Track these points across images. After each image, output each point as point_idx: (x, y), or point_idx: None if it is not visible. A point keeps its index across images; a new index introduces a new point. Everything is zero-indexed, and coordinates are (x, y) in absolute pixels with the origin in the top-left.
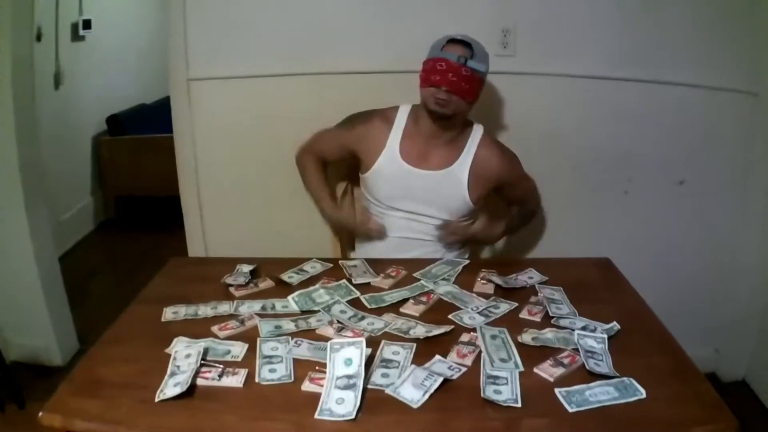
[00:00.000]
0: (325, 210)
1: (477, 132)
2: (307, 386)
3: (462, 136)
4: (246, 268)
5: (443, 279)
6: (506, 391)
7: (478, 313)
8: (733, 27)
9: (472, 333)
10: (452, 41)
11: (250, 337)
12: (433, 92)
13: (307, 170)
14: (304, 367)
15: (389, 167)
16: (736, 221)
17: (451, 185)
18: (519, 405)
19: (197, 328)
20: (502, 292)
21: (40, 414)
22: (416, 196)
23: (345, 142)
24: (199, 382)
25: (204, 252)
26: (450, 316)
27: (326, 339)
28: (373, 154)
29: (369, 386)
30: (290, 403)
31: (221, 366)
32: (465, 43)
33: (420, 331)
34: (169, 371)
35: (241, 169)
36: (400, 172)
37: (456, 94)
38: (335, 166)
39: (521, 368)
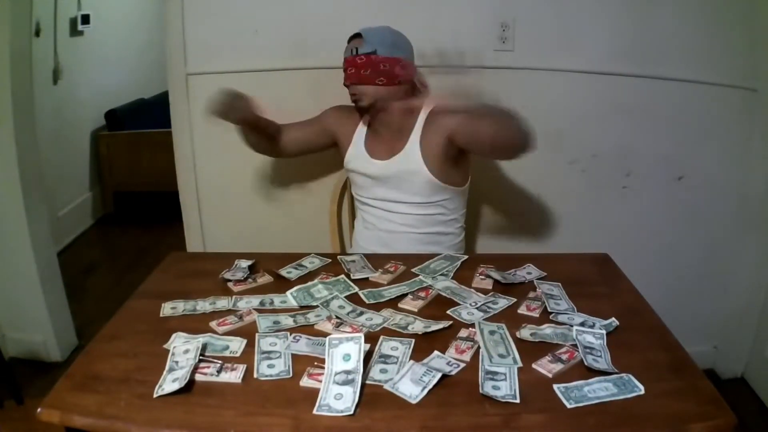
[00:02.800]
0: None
1: (426, 109)
2: (305, 382)
3: (413, 119)
4: (244, 264)
5: (442, 274)
6: (505, 387)
7: (477, 308)
8: (731, 23)
9: (470, 329)
10: (350, 39)
11: (248, 332)
12: (350, 91)
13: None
14: (302, 363)
15: (358, 160)
16: (735, 217)
17: (408, 164)
18: (517, 401)
19: (196, 324)
20: (501, 288)
21: (39, 410)
22: (383, 183)
23: (325, 124)
24: (198, 377)
25: (202, 247)
26: (448, 312)
27: (325, 334)
28: (345, 144)
29: (367, 382)
30: (289, 398)
31: (220, 361)
32: (357, 35)
33: (418, 326)
34: (167, 367)
35: (239, 165)
36: (366, 164)
37: (360, 83)
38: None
39: (520, 364)
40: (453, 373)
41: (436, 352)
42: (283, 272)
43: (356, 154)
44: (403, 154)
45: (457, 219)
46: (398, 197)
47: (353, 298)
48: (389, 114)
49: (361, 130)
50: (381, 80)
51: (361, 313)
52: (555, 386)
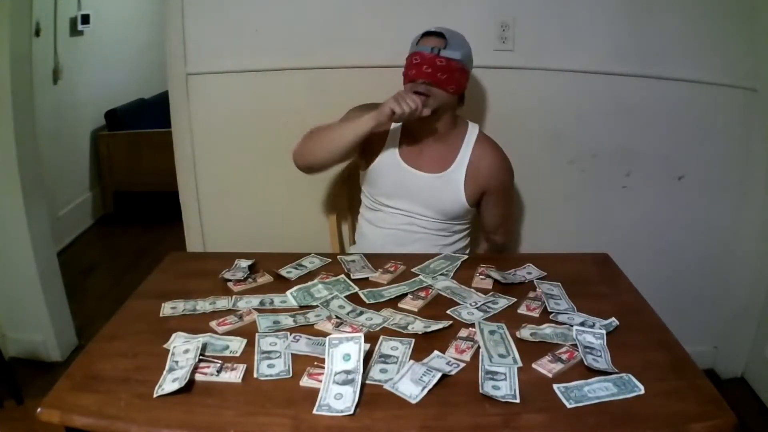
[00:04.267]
0: (371, 121)
1: (473, 132)
2: (305, 381)
3: (456, 134)
4: (244, 263)
5: (442, 274)
6: (505, 387)
7: (477, 308)
8: (731, 23)
9: (470, 328)
10: (426, 34)
11: (248, 332)
12: (411, 87)
13: (321, 133)
14: (302, 363)
15: (389, 165)
16: (735, 217)
17: (448, 189)
18: (517, 401)
19: (195, 324)
20: (501, 288)
21: (39, 410)
22: (413, 197)
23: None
24: (198, 377)
25: (202, 247)
26: (448, 312)
27: (325, 334)
28: (375, 148)
29: (367, 381)
30: (288, 398)
31: (220, 361)
32: (438, 34)
33: (418, 326)
34: (167, 366)
35: (239, 164)
36: (399, 171)
37: (434, 84)
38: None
39: (520, 364)
40: (453, 372)
41: (436, 352)
42: (283, 272)
43: (389, 160)
44: (448, 174)
45: (470, 220)
46: (423, 212)
47: (353, 298)
48: (437, 123)
49: (394, 133)
50: (452, 88)
51: (361, 313)
52: (555, 386)
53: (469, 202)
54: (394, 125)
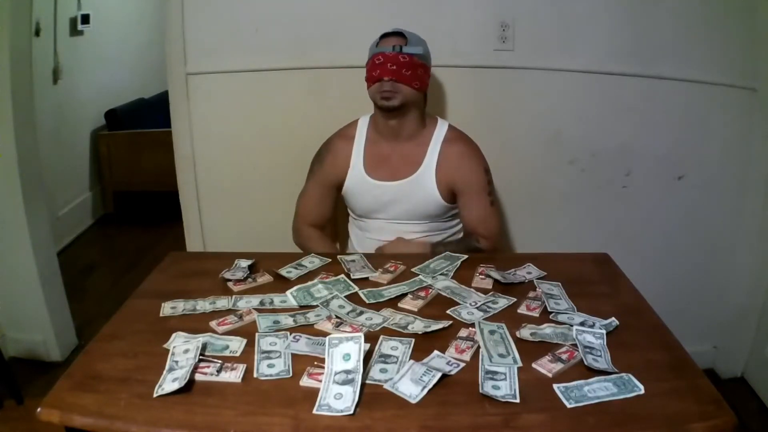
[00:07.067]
0: None
1: (442, 128)
2: (305, 381)
3: (425, 133)
4: (244, 263)
5: (441, 274)
6: (504, 387)
7: (477, 308)
8: (731, 22)
9: (470, 328)
10: (385, 36)
11: (248, 332)
12: (378, 87)
13: (311, 245)
14: (302, 363)
15: (358, 185)
16: (734, 217)
17: (421, 190)
18: (517, 400)
19: (195, 323)
20: (501, 288)
21: (39, 409)
22: (390, 209)
23: (326, 180)
24: (198, 377)
25: (202, 247)
26: (448, 312)
27: (325, 334)
28: (342, 175)
29: (367, 381)
30: (288, 398)
31: (219, 361)
32: (397, 33)
33: (418, 326)
34: (167, 366)
35: (239, 164)
36: (368, 188)
37: (399, 81)
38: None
39: (520, 364)
40: (453, 372)
41: (436, 352)
42: (283, 272)
43: (358, 179)
44: (418, 176)
45: (457, 215)
46: (405, 218)
47: (353, 298)
48: (406, 120)
49: (358, 151)
50: (416, 84)
51: (361, 313)
52: (555, 386)
53: (445, 199)
54: (357, 141)
